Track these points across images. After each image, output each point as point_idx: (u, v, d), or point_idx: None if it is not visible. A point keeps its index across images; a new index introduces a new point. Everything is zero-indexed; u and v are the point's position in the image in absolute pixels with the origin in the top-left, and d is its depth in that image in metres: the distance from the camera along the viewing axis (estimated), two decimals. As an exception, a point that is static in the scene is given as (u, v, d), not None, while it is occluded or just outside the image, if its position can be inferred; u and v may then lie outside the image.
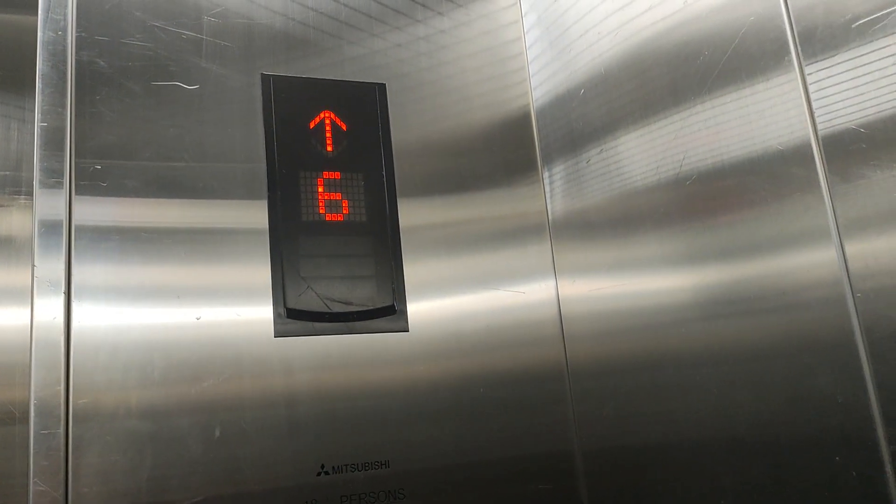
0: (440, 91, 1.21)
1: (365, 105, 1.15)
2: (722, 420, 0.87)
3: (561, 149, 1.18)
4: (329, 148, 1.11)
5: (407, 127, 1.17)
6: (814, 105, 0.75)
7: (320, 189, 1.09)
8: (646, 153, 0.98)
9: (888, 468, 0.68)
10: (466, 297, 1.14)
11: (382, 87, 1.17)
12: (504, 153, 1.23)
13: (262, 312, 1.02)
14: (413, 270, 1.11)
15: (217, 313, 1.00)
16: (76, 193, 0.98)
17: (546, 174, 1.23)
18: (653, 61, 0.97)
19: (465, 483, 1.07)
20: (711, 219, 0.88)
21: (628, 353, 1.03)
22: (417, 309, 1.10)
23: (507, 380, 1.13)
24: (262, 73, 1.11)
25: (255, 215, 1.05)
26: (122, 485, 0.91)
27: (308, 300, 1.04)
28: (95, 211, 0.98)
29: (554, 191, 1.20)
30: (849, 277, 0.71)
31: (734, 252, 0.85)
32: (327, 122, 1.12)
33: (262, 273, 1.03)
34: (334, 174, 1.10)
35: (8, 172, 1.03)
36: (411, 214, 1.13)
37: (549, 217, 1.22)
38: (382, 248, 1.10)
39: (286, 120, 1.10)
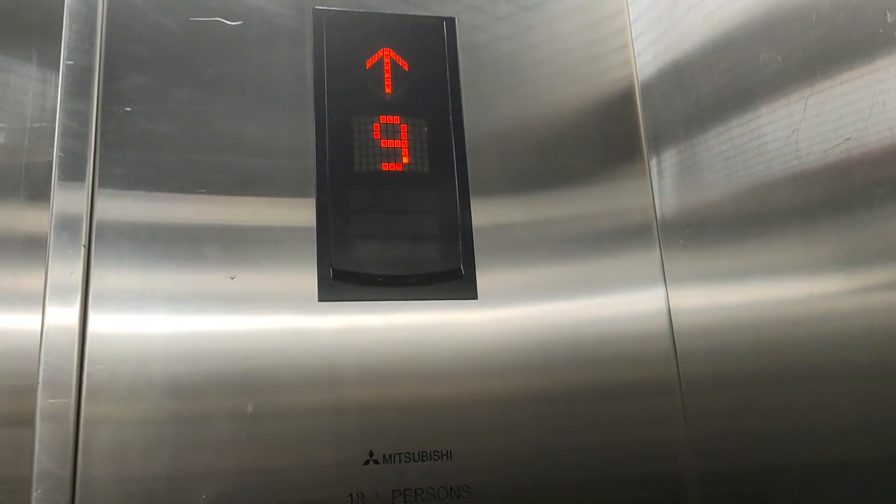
0: (518, 30, 1.05)
1: (430, 42, 1.00)
2: (873, 439, 0.66)
3: (673, 132, 0.98)
4: (388, 90, 0.97)
5: (481, 79, 1.01)
6: None
7: (376, 136, 0.94)
8: (791, 133, 0.78)
9: None
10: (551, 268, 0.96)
11: (451, 21, 1.01)
12: (600, 132, 1.03)
13: (304, 274, 0.88)
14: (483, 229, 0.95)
15: (254, 273, 0.86)
16: (101, 134, 0.87)
17: (653, 163, 1.02)
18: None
19: (547, 486, 0.89)
20: (879, 211, 0.67)
21: (757, 369, 0.83)
22: (491, 281, 0.93)
23: (603, 358, 0.94)
24: (314, 8, 0.98)
25: (300, 164, 0.92)
26: (139, 468, 0.79)
27: (359, 261, 0.89)
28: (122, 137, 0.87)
29: (663, 183, 1.00)
30: None
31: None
32: (386, 60, 0.98)
33: (306, 230, 0.89)
34: (393, 118, 0.95)
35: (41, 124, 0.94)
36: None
37: (658, 214, 1.01)
38: (448, 203, 0.94)
39: (339, 59, 0.96)
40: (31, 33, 1.00)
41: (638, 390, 0.94)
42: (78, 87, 0.88)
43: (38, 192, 0.89)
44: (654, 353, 0.96)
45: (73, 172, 0.85)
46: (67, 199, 0.84)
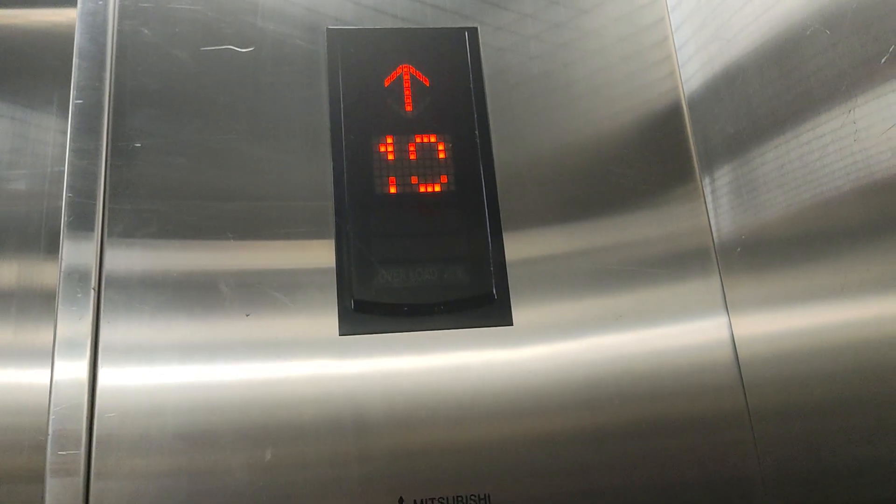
0: (549, 49, 0.98)
1: (452, 54, 0.94)
2: None
3: (726, 147, 0.89)
4: (408, 108, 0.91)
5: (512, 104, 0.94)
6: None
7: (397, 156, 0.88)
8: (855, 140, 0.68)
9: None
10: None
11: (473, 31, 0.96)
12: (646, 151, 0.94)
13: (324, 304, 0.82)
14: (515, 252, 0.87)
15: (270, 305, 0.81)
16: (111, 171, 0.84)
17: (707, 182, 0.93)
18: None
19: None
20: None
21: (834, 397, 0.74)
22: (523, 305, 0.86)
23: (660, 392, 0.85)
24: (328, 28, 0.93)
25: (317, 189, 0.86)
26: (153, 520, 0.74)
27: (381, 289, 0.83)
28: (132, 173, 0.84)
29: (719, 203, 0.91)
30: None
31: None
32: (406, 77, 0.92)
33: (325, 256, 0.84)
34: (414, 137, 0.89)
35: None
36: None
37: (715, 237, 0.91)
38: (477, 225, 0.87)
39: (356, 79, 0.91)
40: (52, 76, 0.99)
41: (702, 424, 0.84)
42: (87, 125, 0.86)
43: (56, 242, 0.86)
44: (719, 385, 0.86)
45: (82, 214, 0.82)
46: (76, 248, 0.81)
